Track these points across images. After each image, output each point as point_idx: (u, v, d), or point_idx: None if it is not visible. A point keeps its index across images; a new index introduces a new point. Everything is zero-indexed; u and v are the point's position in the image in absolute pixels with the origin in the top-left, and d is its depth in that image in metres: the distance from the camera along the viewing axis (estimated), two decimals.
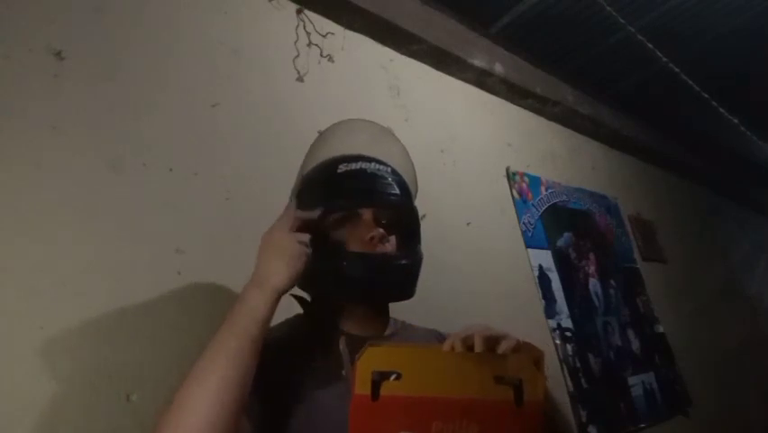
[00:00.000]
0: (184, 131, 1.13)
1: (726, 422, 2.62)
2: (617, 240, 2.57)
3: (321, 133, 0.86)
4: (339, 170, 0.76)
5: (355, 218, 0.76)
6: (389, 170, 0.80)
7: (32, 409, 0.79)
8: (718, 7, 2.23)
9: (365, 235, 0.74)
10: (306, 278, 0.73)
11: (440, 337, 0.87)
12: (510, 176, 2.03)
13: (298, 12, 1.50)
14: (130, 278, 0.95)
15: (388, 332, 0.82)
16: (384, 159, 0.82)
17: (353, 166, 0.77)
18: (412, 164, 0.89)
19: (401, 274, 0.77)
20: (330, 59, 1.53)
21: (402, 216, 0.81)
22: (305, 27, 1.49)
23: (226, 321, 0.65)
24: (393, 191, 0.78)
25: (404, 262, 0.77)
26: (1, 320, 0.80)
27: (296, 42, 1.45)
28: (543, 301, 1.88)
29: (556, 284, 1.98)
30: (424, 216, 0.94)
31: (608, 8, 1.87)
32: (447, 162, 1.79)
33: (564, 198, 2.28)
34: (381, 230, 0.74)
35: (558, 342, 1.84)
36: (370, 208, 0.76)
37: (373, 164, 0.79)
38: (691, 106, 2.63)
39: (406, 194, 0.82)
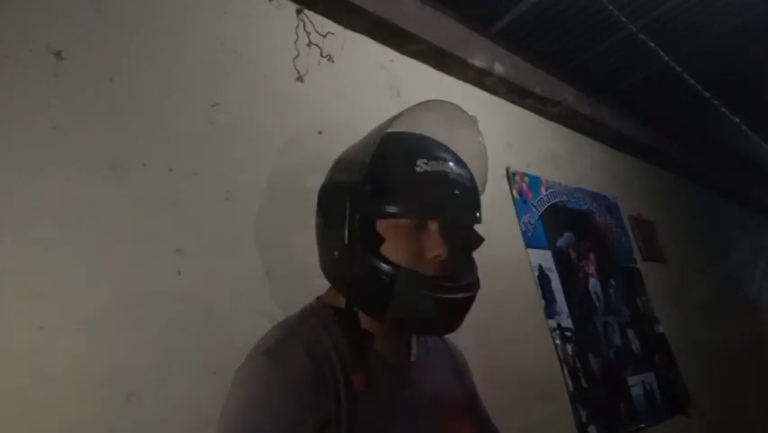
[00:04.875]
0: (184, 131, 1.13)
1: (726, 422, 2.62)
2: (617, 240, 2.57)
3: (398, 115, 0.71)
4: (418, 169, 0.65)
5: (419, 225, 0.65)
6: (469, 176, 0.69)
7: (32, 410, 0.79)
8: (719, 6, 2.23)
9: (429, 252, 0.64)
10: (351, 282, 0.65)
11: (453, 351, 0.84)
12: (510, 176, 2.03)
13: (298, 12, 1.50)
14: (130, 278, 0.95)
15: (414, 357, 0.74)
16: (464, 159, 0.71)
17: (434, 166, 0.65)
18: (486, 167, 0.77)
19: (463, 312, 0.68)
20: (330, 59, 1.53)
21: (471, 234, 0.71)
22: (305, 27, 1.49)
23: None
24: (473, 206, 0.69)
25: (471, 298, 0.68)
26: (1, 320, 0.80)
27: (296, 42, 1.45)
28: (543, 301, 1.88)
29: (556, 284, 1.98)
30: None
31: (610, 7, 1.86)
32: None
33: (564, 198, 2.28)
34: (447, 251, 0.64)
35: (558, 342, 1.84)
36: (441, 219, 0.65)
37: (454, 167, 0.68)
38: (692, 106, 2.63)
39: (479, 208, 0.71)
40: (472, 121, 0.78)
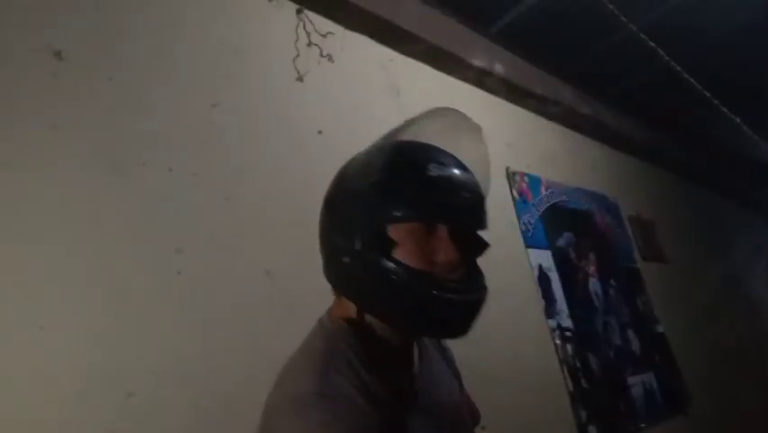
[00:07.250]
0: (184, 131, 1.13)
1: (726, 422, 2.62)
2: (617, 240, 2.57)
3: (404, 125, 0.73)
4: (430, 173, 0.65)
5: (430, 229, 0.66)
6: (476, 182, 0.70)
7: (32, 410, 0.79)
8: (720, 6, 2.23)
9: (439, 257, 0.65)
10: (362, 288, 0.65)
11: (442, 349, 0.84)
12: (510, 176, 2.03)
13: (298, 12, 1.50)
14: (130, 278, 0.95)
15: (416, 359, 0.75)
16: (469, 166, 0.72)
17: (445, 171, 0.66)
18: (489, 177, 0.77)
19: (475, 315, 0.67)
20: (330, 58, 1.53)
21: (477, 240, 0.71)
22: (305, 27, 1.49)
23: None
24: (481, 211, 0.69)
25: (481, 301, 0.68)
26: (1, 320, 0.80)
27: (296, 42, 1.45)
28: (543, 301, 1.88)
29: (556, 284, 1.98)
30: None
31: (610, 6, 1.86)
32: None
33: (564, 198, 2.28)
34: (459, 255, 0.65)
35: (558, 342, 1.84)
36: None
37: (463, 172, 0.68)
38: (692, 106, 2.63)
39: (486, 214, 0.71)
40: (477, 128, 0.77)
